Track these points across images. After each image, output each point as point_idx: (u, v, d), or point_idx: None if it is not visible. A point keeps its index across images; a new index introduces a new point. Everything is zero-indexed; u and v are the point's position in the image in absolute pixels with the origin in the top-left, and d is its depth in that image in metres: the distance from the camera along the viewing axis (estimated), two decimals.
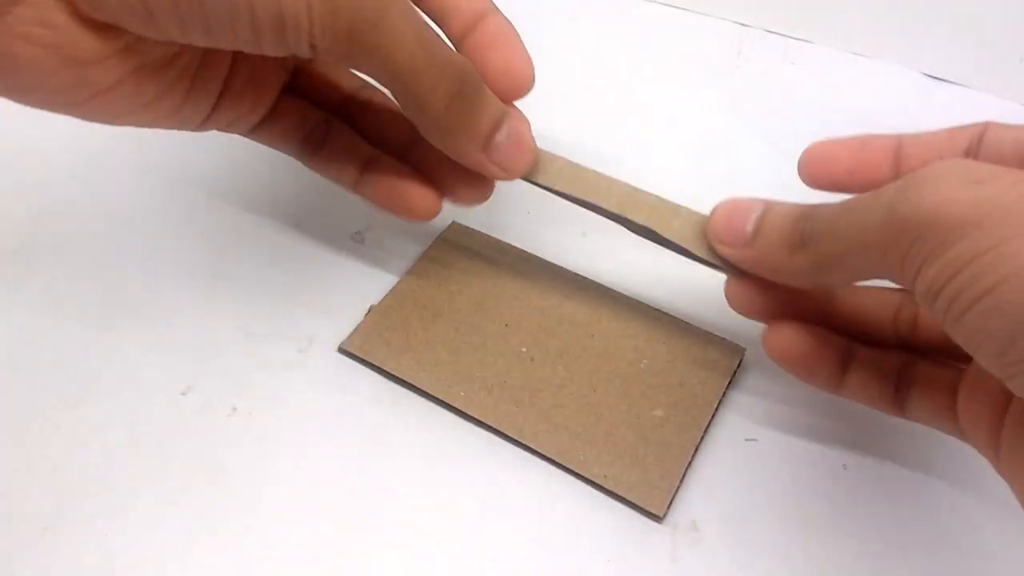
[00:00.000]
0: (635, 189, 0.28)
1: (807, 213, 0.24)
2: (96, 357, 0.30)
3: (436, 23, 0.29)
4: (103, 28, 0.22)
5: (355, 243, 0.34)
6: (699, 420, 0.28)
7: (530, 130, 0.28)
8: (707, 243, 0.26)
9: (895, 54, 0.45)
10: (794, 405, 0.30)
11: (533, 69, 0.29)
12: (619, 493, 0.27)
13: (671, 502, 0.26)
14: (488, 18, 0.29)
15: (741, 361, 0.30)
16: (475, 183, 0.30)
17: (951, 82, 0.43)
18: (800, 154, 0.28)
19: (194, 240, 0.34)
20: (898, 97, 0.43)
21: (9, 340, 0.30)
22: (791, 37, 0.46)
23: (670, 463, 0.27)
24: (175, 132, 0.36)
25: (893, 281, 0.22)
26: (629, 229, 0.28)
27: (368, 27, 0.23)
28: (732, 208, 0.26)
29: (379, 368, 0.30)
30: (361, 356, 0.30)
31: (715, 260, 0.26)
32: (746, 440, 0.29)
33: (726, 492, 0.27)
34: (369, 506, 0.26)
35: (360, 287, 0.32)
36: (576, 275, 0.32)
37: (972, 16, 0.46)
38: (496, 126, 0.27)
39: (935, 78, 0.44)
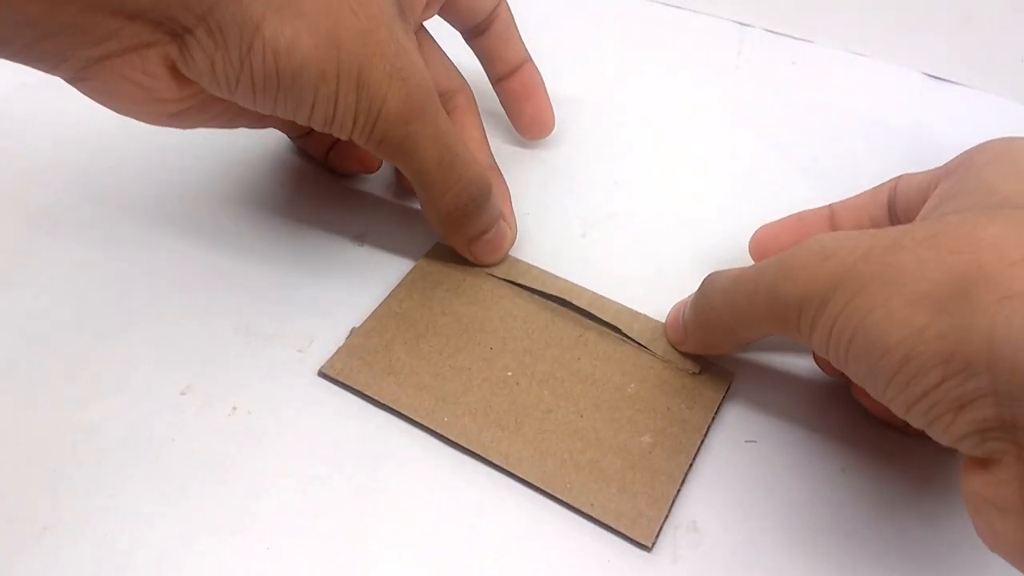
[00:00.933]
0: (600, 296, 0.32)
1: (701, 292, 0.29)
2: (97, 357, 0.30)
3: (483, 63, 0.37)
4: (189, 82, 0.26)
5: (356, 245, 0.34)
6: (688, 447, 0.28)
7: (513, 235, 0.33)
8: (661, 343, 0.31)
9: (895, 54, 0.45)
10: (792, 411, 0.30)
11: (554, 119, 0.38)
12: (606, 522, 0.26)
13: (660, 531, 0.26)
14: (524, 66, 0.37)
15: (729, 387, 0.30)
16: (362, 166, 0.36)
17: (951, 82, 0.43)
18: (749, 240, 0.32)
19: (195, 239, 0.34)
20: (898, 97, 0.43)
21: (9, 340, 0.30)
22: (792, 37, 0.46)
23: (659, 491, 0.27)
24: (173, 133, 0.36)
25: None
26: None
27: (394, 144, 0.28)
28: (672, 315, 0.31)
29: (360, 393, 0.29)
30: (341, 380, 0.29)
31: (668, 355, 0.30)
32: (746, 441, 0.29)
33: (726, 493, 0.27)
34: (365, 509, 0.26)
35: (360, 288, 0.32)
36: (562, 299, 0.32)
37: (972, 16, 0.47)
38: (485, 232, 0.32)
39: (935, 78, 0.44)
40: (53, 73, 0.26)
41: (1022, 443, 0.20)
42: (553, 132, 0.39)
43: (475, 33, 0.36)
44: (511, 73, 0.37)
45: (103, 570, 0.25)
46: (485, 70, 0.37)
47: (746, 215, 0.34)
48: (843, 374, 0.29)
